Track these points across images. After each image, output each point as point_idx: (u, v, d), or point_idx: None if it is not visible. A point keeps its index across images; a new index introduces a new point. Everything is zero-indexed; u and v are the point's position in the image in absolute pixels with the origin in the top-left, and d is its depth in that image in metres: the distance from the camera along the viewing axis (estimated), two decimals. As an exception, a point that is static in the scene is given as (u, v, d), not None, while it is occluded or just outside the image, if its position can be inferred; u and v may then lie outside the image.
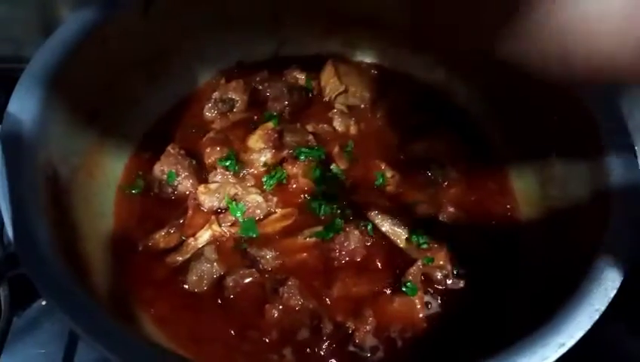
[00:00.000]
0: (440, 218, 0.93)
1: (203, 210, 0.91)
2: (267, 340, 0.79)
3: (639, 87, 1.08)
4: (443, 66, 1.12)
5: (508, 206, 0.98)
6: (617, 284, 0.64)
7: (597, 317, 0.61)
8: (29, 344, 0.98)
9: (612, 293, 0.63)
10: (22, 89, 0.77)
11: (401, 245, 0.90)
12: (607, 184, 0.75)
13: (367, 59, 1.19)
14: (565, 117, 0.88)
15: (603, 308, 0.62)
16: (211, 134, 1.01)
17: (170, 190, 0.94)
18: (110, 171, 0.95)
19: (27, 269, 0.61)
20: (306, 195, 0.95)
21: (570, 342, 0.59)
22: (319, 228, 0.90)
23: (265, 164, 0.97)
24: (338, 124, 1.06)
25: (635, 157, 0.77)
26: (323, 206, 0.93)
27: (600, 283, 0.64)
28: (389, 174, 0.97)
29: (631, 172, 0.74)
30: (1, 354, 0.83)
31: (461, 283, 0.87)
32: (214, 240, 0.88)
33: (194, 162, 0.97)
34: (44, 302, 1.02)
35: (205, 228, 0.88)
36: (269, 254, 0.87)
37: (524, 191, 0.98)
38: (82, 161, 0.88)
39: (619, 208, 0.72)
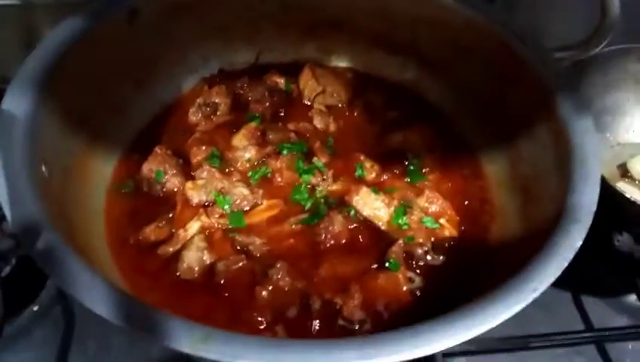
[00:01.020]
0: (419, 201, 0.97)
1: (191, 205, 0.95)
2: (259, 319, 0.81)
3: (599, 73, 1.17)
4: (414, 66, 1.19)
5: (483, 188, 1.03)
6: (583, 236, 0.69)
7: (565, 264, 0.66)
8: (19, 351, 0.99)
9: (578, 244, 0.68)
10: (15, 88, 0.80)
11: (383, 227, 0.94)
12: (568, 150, 0.81)
13: (342, 63, 1.26)
14: (525, 97, 0.94)
15: (570, 256, 0.67)
16: (197, 135, 1.06)
17: (158, 187, 0.97)
18: (100, 172, 0.98)
19: (27, 248, 0.64)
20: (291, 188, 0.99)
21: (542, 287, 0.64)
22: (305, 216, 0.94)
23: (249, 160, 1.01)
24: (318, 122, 1.11)
25: (594, 133, 0.84)
26: (307, 196, 0.97)
27: (567, 236, 0.69)
28: (368, 164, 1.02)
29: (588, 137, 0.80)
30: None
31: (441, 259, 0.91)
32: (204, 231, 0.91)
33: (181, 161, 1.00)
34: (35, 308, 1.03)
35: (195, 219, 0.92)
36: (257, 241, 0.90)
37: (497, 174, 1.04)
38: (73, 161, 0.91)
39: (579, 170, 0.77)
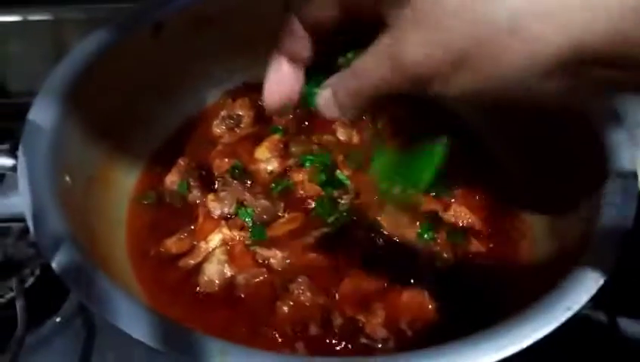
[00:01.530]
0: (446, 216, 0.95)
1: (213, 217, 0.94)
2: (278, 335, 0.80)
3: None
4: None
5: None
6: (620, 252, 0.65)
7: (602, 282, 0.63)
8: (42, 361, 0.99)
9: (615, 258, 0.64)
10: (41, 99, 0.81)
11: (409, 242, 0.92)
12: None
13: (367, 75, 1.24)
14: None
15: (608, 272, 0.63)
16: (220, 147, 1.06)
17: (180, 199, 0.97)
18: (123, 183, 0.99)
19: (46, 256, 0.63)
20: (313, 201, 0.97)
21: (577, 306, 0.60)
22: (326, 229, 0.92)
23: (271, 172, 1.01)
24: (341, 134, 1.10)
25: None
26: (329, 209, 0.95)
27: (604, 251, 0.66)
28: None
29: (622, 144, 0.77)
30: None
31: (469, 276, 0.88)
32: (225, 243, 0.90)
33: (203, 173, 1.00)
34: (58, 319, 1.03)
35: (216, 231, 0.91)
36: (278, 254, 0.89)
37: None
38: (96, 171, 0.91)
39: (616, 184, 0.74)
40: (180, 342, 0.57)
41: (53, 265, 0.62)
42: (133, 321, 0.58)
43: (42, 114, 0.80)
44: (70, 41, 1.27)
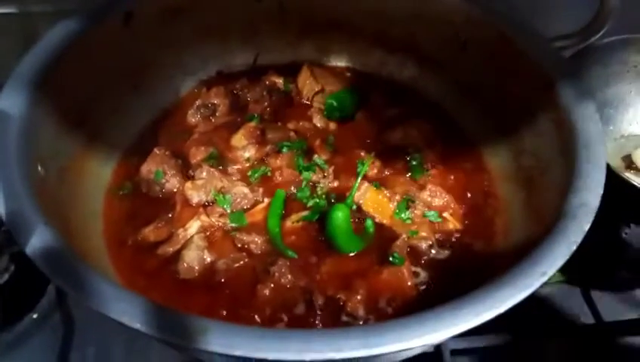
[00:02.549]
0: (422, 195, 0.96)
1: (191, 205, 0.93)
2: (259, 318, 0.80)
3: (600, 65, 1.16)
4: (413, 63, 1.18)
5: (485, 182, 1.01)
6: (590, 219, 0.67)
7: (574, 248, 0.64)
8: (18, 358, 0.98)
9: (586, 227, 0.66)
10: (10, 88, 0.80)
11: (385, 222, 0.93)
12: (571, 137, 0.79)
13: (341, 63, 1.25)
14: (526, 88, 0.93)
15: (579, 240, 0.65)
16: (195, 136, 1.05)
17: (157, 188, 0.96)
18: (98, 175, 0.97)
19: (20, 242, 0.62)
20: (292, 185, 0.97)
21: (551, 271, 0.62)
22: (306, 213, 0.93)
23: (249, 159, 1.00)
24: (317, 121, 1.10)
25: (597, 120, 0.82)
26: (309, 193, 0.96)
27: (575, 219, 0.67)
28: (369, 160, 1.01)
29: (591, 123, 0.79)
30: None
31: (446, 253, 0.90)
32: (204, 230, 0.90)
33: (180, 161, 0.99)
34: (35, 315, 1.02)
35: (194, 218, 0.90)
36: (258, 239, 0.89)
37: (500, 167, 1.02)
38: (71, 162, 0.90)
39: (584, 154, 0.76)
40: (161, 321, 0.56)
41: (28, 251, 0.61)
42: (111, 302, 0.58)
43: (11, 102, 0.78)
44: (39, 33, 1.24)
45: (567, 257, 0.63)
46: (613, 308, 1.06)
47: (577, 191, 0.71)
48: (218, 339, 0.55)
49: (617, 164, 1.18)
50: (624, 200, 0.94)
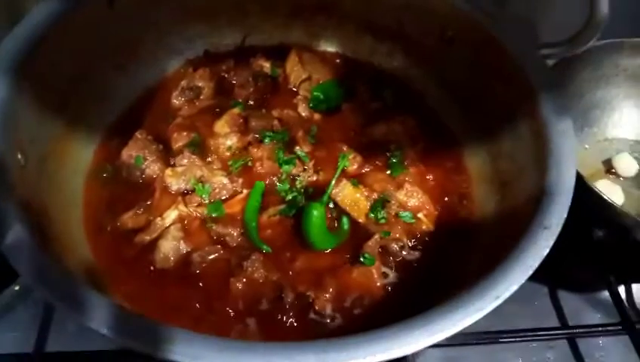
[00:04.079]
0: (399, 195, 0.97)
1: (170, 192, 0.94)
2: (231, 311, 0.83)
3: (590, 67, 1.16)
4: (401, 54, 1.17)
5: (463, 183, 1.03)
6: (550, 243, 0.69)
7: (530, 272, 0.67)
8: (1, 328, 1.01)
9: (545, 251, 0.68)
10: (-10, 72, 0.79)
11: (361, 220, 0.94)
12: (545, 151, 0.81)
13: (330, 48, 1.24)
14: (509, 92, 0.94)
15: (536, 264, 0.67)
16: (178, 120, 1.05)
17: (137, 173, 0.97)
18: (79, 158, 0.98)
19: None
20: (272, 177, 0.99)
21: (505, 295, 0.64)
22: (283, 207, 0.94)
23: (230, 148, 1.01)
24: (302, 110, 1.10)
25: (572, 136, 0.83)
26: (288, 186, 0.97)
27: (534, 243, 0.69)
28: (350, 155, 1.02)
29: (565, 139, 0.80)
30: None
31: (417, 254, 0.92)
32: (181, 220, 0.92)
33: (161, 147, 1.00)
34: (17, 287, 1.05)
35: (172, 208, 0.92)
36: (234, 232, 0.91)
37: (478, 169, 1.03)
38: (51, 147, 0.90)
39: (554, 174, 0.77)
40: (129, 328, 0.59)
41: (2, 248, 0.63)
42: (80, 305, 0.60)
43: (-9, 88, 0.78)
44: (25, 8, 1.22)
45: (522, 281, 0.66)
46: (578, 309, 1.10)
47: (542, 212, 0.73)
48: (183, 349, 0.58)
49: (597, 167, 1.20)
50: (595, 209, 0.96)
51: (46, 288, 0.62)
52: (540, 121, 0.86)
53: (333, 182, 0.95)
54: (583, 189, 0.92)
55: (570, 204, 0.74)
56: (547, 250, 0.69)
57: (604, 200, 0.92)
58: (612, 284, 1.04)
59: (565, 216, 0.72)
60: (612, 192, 1.10)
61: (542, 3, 1.24)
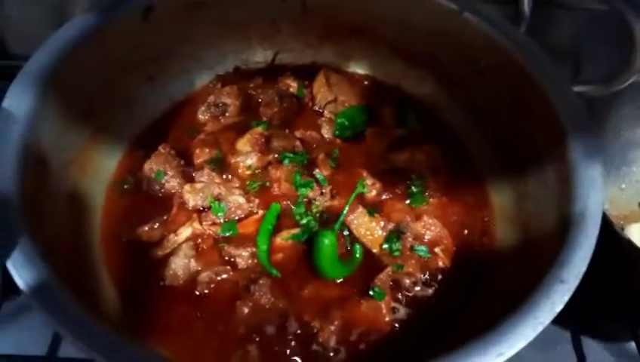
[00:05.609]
0: (416, 227, 0.95)
1: (187, 208, 0.95)
2: (234, 336, 0.82)
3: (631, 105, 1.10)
4: (432, 80, 1.15)
5: (485, 219, 0.99)
6: (565, 299, 0.66)
7: (540, 329, 0.63)
8: (19, 327, 1.04)
9: (558, 308, 0.65)
10: (17, 86, 0.82)
11: (374, 250, 0.93)
12: (570, 199, 0.77)
13: (360, 70, 1.22)
14: (538, 130, 0.90)
15: (547, 321, 0.64)
16: (202, 136, 1.06)
17: (157, 187, 0.98)
18: (103, 167, 1.00)
19: (3, 259, 0.66)
20: (288, 199, 0.98)
21: (510, 353, 0.61)
22: (296, 231, 0.93)
23: (250, 167, 1.01)
24: (325, 132, 1.09)
25: (600, 187, 0.79)
26: (304, 210, 0.96)
27: (548, 297, 0.66)
28: (369, 182, 1.00)
29: (593, 188, 0.76)
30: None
31: (429, 291, 0.89)
32: (194, 238, 0.92)
33: (182, 162, 1.01)
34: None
35: (187, 225, 0.92)
36: (244, 253, 0.90)
37: (501, 206, 1.00)
38: (75, 155, 0.92)
39: (577, 226, 0.73)
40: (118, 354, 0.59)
41: (8, 263, 0.65)
42: (78, 328, 0.61)
43: (17, 101, 0.80)
44: (71, 4, 1.25)
45: (531, 339, 0.62)
46: (601, 358, 1.04)
47: (559, 265, 0.69)
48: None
49: (633, 209, 1.14)
50: (622, 254, 0.91)
51: (45, 307, 0.64)
52: (567, 166, 0.81)
53: (347, 208, 0.93)
54: (613, 234, 0.88)
55: (590, 258, 0.69)
56: (561, 306, 0.65)
57: (634, 246, 0.87)
58: (639, 336, 0.98)
59: (584, 270, 0.68)
60: (642, 240, 1.04)
61: (583, 36, 1.18)
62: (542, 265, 0.74)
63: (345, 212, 0.93)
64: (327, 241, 0.88)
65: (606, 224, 0.85)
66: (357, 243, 0.93)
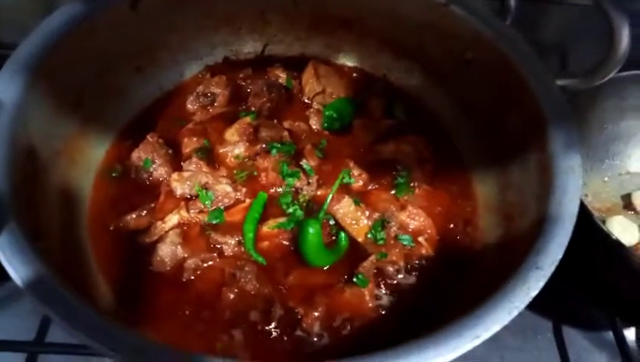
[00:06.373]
0: (401, 216, 0.96)
1: (174, 196, 0.96)
2: (219, 321, 0.83)
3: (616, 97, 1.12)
4: (420, 72, 1.16)
5: (469, 209, 1.01)
6: (540, 285, 0.67)
7: (516, 313, 0.65)
8: (8, 313, 1.04)
9: (533, 293, 0.66)
10: (5, 73, 0.82)
11: (359, 239, 0.94)
12: (548, 188, 0.78)
13: (349, 62, 1.23)
14: (522, 120, 0.92)
15: (522, 306, 0.65)
16: (190, 125, 1.07)
17: (145, 176, 0.99)
18: (91, 156, 1.00)
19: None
20: (276, 188, 0.99)
21: (486, 335, 0.63)
22: (282, 220, 0.94)
23: (238, 157, 1.02)
24: (314, 123, 1.11)
25: (578, 176, 0.80)
26: (290, 199, 0.97)
27: (524, 283, 0.67)
28: (356, 172, 1.01)
29: (571, 177, 0.78)
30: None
31: (412, 279, 0.91)
32: (181, 225, 0.93)
33: (170, 151, 1.02)
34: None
35: (174, 212, 0.93)
36: (231, 241, 0.92)
37: (485, 197, 1.01)
38: (64, 145, 0.93)
39: (554, 214, 0.75)
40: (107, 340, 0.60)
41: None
42: (65, 312, 0.62)
43: (5, 88, 0.80)
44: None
45: (506, 322, 0.64)
46: (581, 346, 1.06)
47: (536, 252, 0.71)
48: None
49: (615, 201, 1.16)
50: (601, 246, 0.93)
51: (32, 291, 0.65)
52: (547, 155, 0.83)
53: (330, 197, 0.94)
54: (592, 226, 0.89)
55: (566, 245, 0.71)
56: (536, 292, 0.66)
57: (612, 239, 0.88)
58: (617, 326, 1.00)
59: (560, 257, 0.70)
60: (627, 229, 1.06)
61: (570, 31, 1.20)
62: (519, 255, 0.76)
63: (328, 200, 0.94)
64: (312, 230, 0.89)
65: (586, 215, 0.88)
66: (342, 231, 0.94)
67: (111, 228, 0.93)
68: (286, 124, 1.09)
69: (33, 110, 0.85)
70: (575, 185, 0.77)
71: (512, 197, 0.94)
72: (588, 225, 0.88)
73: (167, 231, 0.92)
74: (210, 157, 1.02)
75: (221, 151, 1.03)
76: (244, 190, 0.98)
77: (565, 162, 0.80)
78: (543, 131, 0.86)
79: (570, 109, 0.88)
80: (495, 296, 0.67)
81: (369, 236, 0.94)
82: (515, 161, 0.94)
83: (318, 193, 0.99)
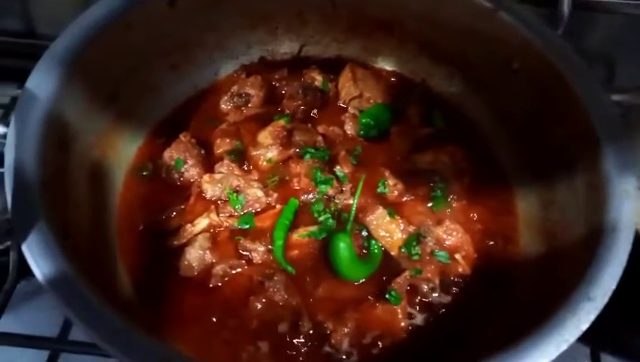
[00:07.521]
0: (437, 231, 0.92)
1: (205, 198, 0.94)
2: (246, 331, 0.81)
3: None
4: (460, 79, 1.11)
5: (508, 226, 0.96)
6: (591, 318, 0.63)
7: (564, 347, 0.61)
8: (33, 308, 1.04)
9: (584, 326, 0.62)
10: (41, 67, 0.81)
11: (393, 253, 0.90)
12: (600, 213, 0.73)
13: (388, 66, 1.19)
14: (570, 136, 0.87)
15: (572, 339, 0.61)
16: (223, 126, 1.05)
17: (176, 176, 0.97)
18: (123, 153, 0.99)
19: (19, 241, 0.65)
20: (308, 195, 0.96)
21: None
22: (313, 229, 0.91)
23: (270, 160, 0.99)
24: (349, 128, 1.07)
25: (634, 201, 0.75)
26: (322, 207, 0.94)
27: (573, 314, 0.63)
28: (391, 182, 0.97)
29: (626, 201, 0.73)
30: (2, 315, 0.88)
31: (447, 299, 0.87)
32: (211, 229, 0.91)
33: (202, 151, 1.00)
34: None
35: (204, 216, 0.91)
36: (261, 247, 0.89)
37: (527, 213, 0.97)
38: (97, 139, 0.92)
39: (609, 240, 0.70)
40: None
41: (23, 247, 0.64)
42: (87, 315, 0.60)
43: (41, 82, 0.79)
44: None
45: (553, 358, 0.60)
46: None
47: (588, 281, 0.66)
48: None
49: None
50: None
51: (57, 291, 0.63)
52: (599, 175, 0.78)
53: (354, 206, 0.91)
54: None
55: (619, 277, 0.66)
56: (587, 325, 0.62)
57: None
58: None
59: (614, 288, 0.65)
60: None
61: (621, 42, 1.14)
62: (567, 279, 0.72)
63: (353, 209, 0.91)
64: (343, 245, 0.86)
65: (637, 239, 0.82)
66: (373, 240, 0.90)
67: (140, 228, 0.92)
68: (320, 129, 1.06)
69: (67, 104, 0.83)
70: (629, 210, 0.72)
71: (556, 216, 0.89)
72: (638, 250, 0.83)
73: (196, 235, 0.89)
74: (243, 159, 1.00)
75: (253, 153, 1.00)
76: (275, 195, 0.95)
77: (620, 185, 0.75)
78: (594, 149, 0.81)
79: (624, 127, 0.82)
80: (543, 327, 0.62)
81: (403, 250, 0.90)
82: (561, 178, 0.89)
83: (351, 202, 0.96)
